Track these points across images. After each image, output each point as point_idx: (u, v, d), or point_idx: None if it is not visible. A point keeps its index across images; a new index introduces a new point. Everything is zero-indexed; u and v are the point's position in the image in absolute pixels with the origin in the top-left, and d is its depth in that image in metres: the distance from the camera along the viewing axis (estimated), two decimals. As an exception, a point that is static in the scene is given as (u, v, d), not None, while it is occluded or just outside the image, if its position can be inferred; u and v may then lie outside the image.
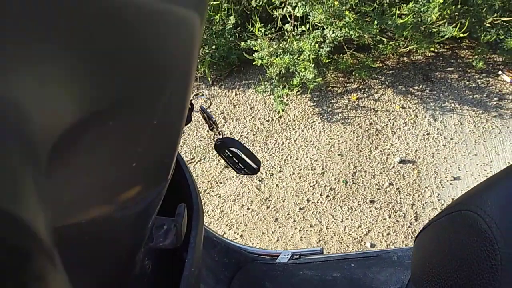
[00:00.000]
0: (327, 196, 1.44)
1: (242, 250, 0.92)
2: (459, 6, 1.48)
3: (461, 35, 1.42)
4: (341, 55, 1.80)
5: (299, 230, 1.35)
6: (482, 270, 0.38)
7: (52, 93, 0.14)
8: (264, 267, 0.91)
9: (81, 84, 0.16)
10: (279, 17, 1.71)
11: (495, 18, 1.47)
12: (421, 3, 1.47)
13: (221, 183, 1.53)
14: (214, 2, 1.86)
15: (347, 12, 1.48)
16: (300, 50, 1.59)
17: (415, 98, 1.69)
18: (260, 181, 1.52)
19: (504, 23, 1.48)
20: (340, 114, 1.68)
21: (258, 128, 1.69)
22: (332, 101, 1.73)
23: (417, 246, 0.52)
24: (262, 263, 0.91)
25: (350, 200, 1.41)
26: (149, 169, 0.26)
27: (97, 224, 0.27)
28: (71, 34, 0.14)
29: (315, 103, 1.73)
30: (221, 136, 0.56)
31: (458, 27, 1.47)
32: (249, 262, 0.91)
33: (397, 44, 1.67)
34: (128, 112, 0.19)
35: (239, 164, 0.57)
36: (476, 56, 1.66)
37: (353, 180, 1.46)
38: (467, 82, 1.70)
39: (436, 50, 1.82)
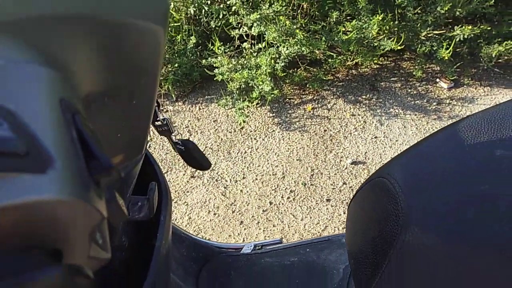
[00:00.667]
0: (288, 197, 1.55)
1: (208, 244, 1.01)
2: (396, 22, 1.66)
3: (399, 47, 1.60)
4: (296, 69, 1.95)
5: (263, 230, 1.45)
6: (390, 221, 0.50)
7: (78, 69, 0.24)
8: (229, 259, 1.00)
9: (88, 75, 0.26)
10: (237, 37, 1.84)
11: (428, 32, 1.66)
12: (363, 20, 1.65)
13: (188, 192, 1.61)
14: (176, 24, 1.97)
15: (297, 31, 1.63)
16: (258, 65, 1.72)
17: (363, 106, 1.85)
18: (225, 187, 1.61)
19: (437, 36, 1.68)
20: (297, 123, 1.81)
21: (221, 139, 1.79)
22: (290, 112, 1.86)
23: (348, 215, 0.64)
24: (228, 255, 1.00)
25: (309, 200, 1.53)
26: (129, 140, 0.35)
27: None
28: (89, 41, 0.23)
29: (274, 114, 1.86)
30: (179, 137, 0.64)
31: (396, 40, 1.65)
32: (215, 255, 0.99)
33: (344, 58, 1.84)
34: (116, 93, 0.28)
35: (190, 161, 0.64)
36: (416, 67, 1.85)
37: (311, 182, 1.58)
38: (409, 90, 1.89)
39: (380, 63, 2.01)
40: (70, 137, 0.16)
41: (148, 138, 0.44)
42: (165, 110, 1.95)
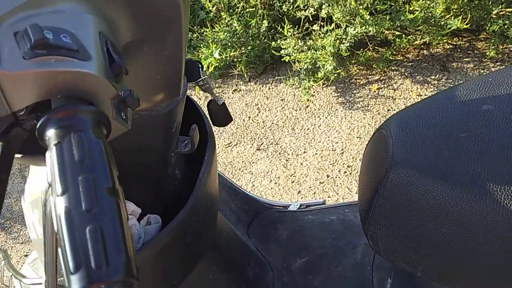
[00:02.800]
0: (345, 172, 1.63)
1: (259, 200, 1.16)
2: (465, 0, 1.63)
3: (465, 26, 1.57)
4: (364, 50, 1.99)
5: (318, 200, 1.55)
6: (381, 162, 0.59)
7: (119, 24, 0.38)
8: (277, 214, 1.13)
9: (126, 26, 0.40)
10: (306, 19, 1.94)
11: (500, 10, 1.59)
12: (430, -1, 1.64)
13: (253, 162, 1.78)
14: (251, 9, 2.12)
15: (362, 11, 1.68)
16: (323, 46, 1.80)
17: (432, 86, 1.83)
18: (286, 160, 1.74)
19: (510, 14, 1.60)
20: (361, 103, 1.86)
21: (287, 116, 1.92)
22: (354, 92, 1.92)
23: (362, 160, 0.73)
24: (276, 211, 1.14)
25: (365, 175, 1.59)
26: (167, 83, 0.50)
27: (146, 117, 0.52)
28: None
29: (338, 94, 1.93)
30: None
31: (466, 19, 1.61)
32: (265, 210, 1.14)
33: (413, 38, 1.84)
34: (150, 43, 0.43)
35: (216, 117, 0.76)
36: (491, 47, 1.78)
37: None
38: (482, 71, 1.82)
39: (454, 43, 1.96)
40: (102, 48, 0.30)
41: (187, 87, 0.59)
42: (238, 89, 2.13)
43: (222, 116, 0.75)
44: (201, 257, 0.82)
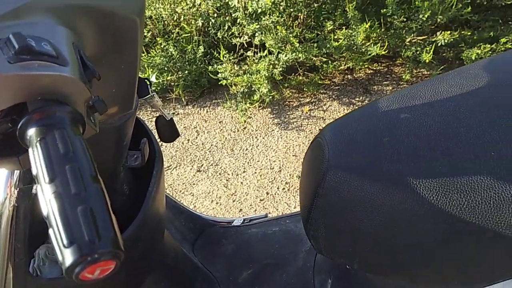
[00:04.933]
0: (283, 188, 1.71)
1: (204, 218, 1.18)
2: (383, 29, 1.82)
3: (383, 52, 1.76)
4: (295, 75, 2.13)
5: (259, 216, 1.61)
6: (318, 167, 0.66)
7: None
8: (221, 230, 1.16)
9: (91, 39, 0.43)
10: (240, 45, 2.04)
11: (413, 38, 1.81)
12: (352, 28, 1.81)
13: (194, 184, 1.79)
14: (186, 35, 2.18)
15: (292, 39, 1.81)
16: (258, 70, 1.90)
17: (356, 107, 2.00)
18: (227, 180, 1.78)
19: (420, 41, 1.83)
20: (295, 123, 1.98)
21: (226, 138, 1.97)
22: (288, 113, 2.03)
23: (302, 168, 0.79)
24: (220, 227, 1.17)
25: (302, 191, 1.68)
26: (121, 96, 0.53)
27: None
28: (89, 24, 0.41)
29: (274, 115, 2.03)
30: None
31: (384, 46, 1.81)
32: (210, 227, 1.16)
33: (338, 64, 2.01)
34: (109, 58, 0.46)
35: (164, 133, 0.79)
36: (406, 71, 2.00)
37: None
38: (399, 92, 2.03)
39: (374, 68, 2.16)
40: (76, 56, 0.33)
41: (138, 102, 0.62)
42: (176, 113, 2.15)
43: (169, 131, 0.78)
44: (150, 272, 0.82)
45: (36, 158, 0.29)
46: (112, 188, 0.71)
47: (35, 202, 0.49)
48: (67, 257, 0.27)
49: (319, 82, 2.04)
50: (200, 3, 2.08)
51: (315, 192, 0.65)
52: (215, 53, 2.09)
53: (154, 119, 0.78)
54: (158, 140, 0.80)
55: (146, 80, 0.68)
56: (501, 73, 0.66)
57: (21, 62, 0.29)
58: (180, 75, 2.12)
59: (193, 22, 2.13)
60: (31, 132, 0.30)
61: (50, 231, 0.28)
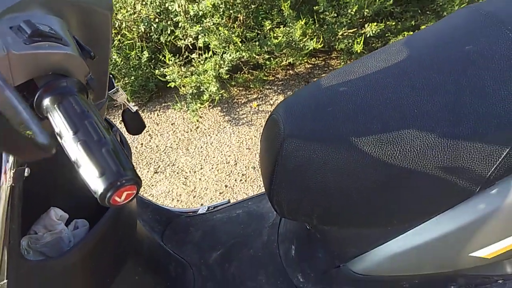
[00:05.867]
0: (241, 180, 1.79)
1: (169, 210, 1.23)
2: (317, 25, 1.97)
3: (319, 46, 1.90)
4: (241, 73, 2.22)
5: (220, 208, 1.68)
6: (275, 139, 0.75)
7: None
8: (188, 219, 1.22)
9: (75, 31, 0.49)
10: (185, 48, 2.10)
11: (344, 31, 1.98)
12: (289, 26, 1.95)
13: (152, 185, 1.83)
14: (129, 42, 2.20)
15: (235, 38, 1.91)
16: (205, 71, 1.98)
17: (301, 98, 2.14)
18: (185, 178, 1.84)
19: (351, 34, 2.00)
20: (245, 119, 2.07)
21: (179, 138, 2.02)
22: (238, 110, 2.12)
23: (260, 144, 0.88)
24: (186, 216, 1.23)
25: (258, 180, 1.78)
26: (97, 84, 0.59)
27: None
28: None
29: (224, 113, 2.11)
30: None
31: (318, 41, 1.96)
32: (176, 217, 1.22)
33: (280, 60, 2.13)
34: (90, 46, 0.53)
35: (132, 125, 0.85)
36: (342, 63, 2.17)
37: (258, 165, 1.84)
38: (337, 82, 2.20)
39: (313, 62, 2.32)
40: (73, 40, 0.40)
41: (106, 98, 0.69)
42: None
43: (136, 124, 0.84)
44: (126, 259, 0.87)
45: (57, 119, 0.36)
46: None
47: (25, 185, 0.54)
48: (100, 185, 0.33)
49: (264, 78, 2.15)
50: (140, 9, 2.11)
51: (275, 161, 0.74)
52: (160, 56, 2.13)
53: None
54: (125, 133, 0.85)
55: (111, 75, 0.73)
56: (416, 47, 0.79)
57: (34, 43, 0.36)
58: (127, 81, 2.14)
59: (134, 29, 2.16)
60: (47, 101, 0.37)
61: (81, 170, 0.34)
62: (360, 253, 0.80)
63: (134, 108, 0.81)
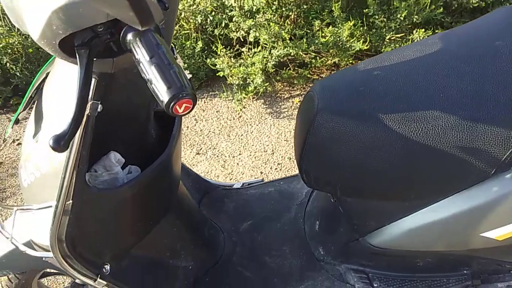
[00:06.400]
0: (276, 168, 1.88)
1: (208, 180, 1.34)
2: (365, 28, 2.03)
3: (365, 47, 1.96)
4: (286, 69, 2.31)
5: (254, 191, 1.77)
6: (309, 112, 0.83)
7: None
8: (224, 191, 1.33)
9: None
10: (237, 41, 2.22)
11: (391, 36, 2.02)
12: (338, 26, 2.02)
13: (194, 165, 1.95)
14: (185, 32, 2.36)
15: (284, 34, 2.00)
16: (252, 63, 2.08)
17: (342, 98, 2.19)
18: (224, 161, 1.95)
19: (399, 39, 2.03)
20: (286, 113, 2.16)
21: (222, 125, 2.14)
22: (280, 104, 2.21)
23: (296, 118, 0.96)
24: (222, 189, 1.33)
25: (293, 170, 1.86)
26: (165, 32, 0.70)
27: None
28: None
29: (267, 106, 2.21)
30: None
31: (366, 43, 2.01)
32: (214, 188, 1.33)
33: (326, 59, 2.20)
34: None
35: None
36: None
37: (294, 157, 1.92)
38: (380, 86, 2.23)
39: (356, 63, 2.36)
40: None
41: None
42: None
43: None
44: (168, 210, 0.99)
45: (138, 48, 0.46)
46: (146, 129, 0.87)
47: (97, 120, 0.65)
48: (166, 96, 0.44)
49: (308, 76, 2.23)
50: (199, 1, 2.26)
51: (307, 132, 0.82)
52: (213, 47, 2.27)
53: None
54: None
55: (172, 44, 0.85)
56: (450, 41, 0.85)
57: None
58: (180, 68, 2.29)
59: (191, 20, 2.31)
60: (131, 35, 0.47)
61: (153, 85, 0.45)
62: (378, 227, 0.86)
63: (189, 76, 0.92)
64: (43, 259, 0.97)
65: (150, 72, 0.45)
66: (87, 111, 0.60)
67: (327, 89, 0.84)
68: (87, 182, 0.77)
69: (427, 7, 1.94)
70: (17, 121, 0.82)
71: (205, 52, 2.35)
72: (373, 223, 0.87)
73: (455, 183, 0.75)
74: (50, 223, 0.73)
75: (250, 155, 1.96)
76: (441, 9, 1.92)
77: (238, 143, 2.04)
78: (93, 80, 0.59)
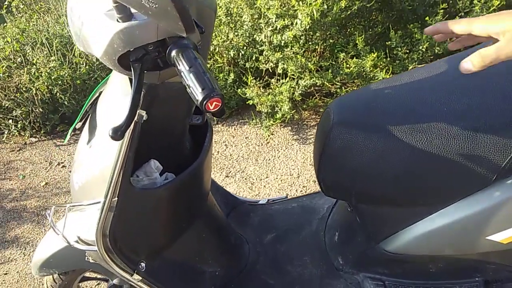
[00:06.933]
0: (301, 191, 1.95)
1: (236, 196, 1.44)
2: (388, 59, 2.13)
3: (388, 76, 2.04)
4: (312, 98, 2.43)
5: (280, 212, 1.84)
6: (325, 126, 0.92)
7: None
8: (250, 207, 1.41)
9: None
10: (266, 72, 2.37)
11: (414, 66, 2.10)
12: (362, 58, 2.13)
13: (223, 186, 2.05)
14: (218, 65, 2.53)
15: (310, 65, 2.13)
16: (280, 92, 2.21)
17: (367, 126, 2.27)
18: (252, 183, 2.04)
19: (421, 70, 2.11)
20: (312, 139, 2.25)
21: (251, 150, 2.25)
22: (306, 131, 2.31)
23: (316, 134, 1.05)
24: (249, 204, 1.42)
25: (317, 193, 1.92)
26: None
27: (182, 88, 0.83)
28: None
29: (293, 132, 2.31)
30: None
31: (389, 72, 2.10)
32: (240, 204, 1.42)
33: (350, 89, 2.30)
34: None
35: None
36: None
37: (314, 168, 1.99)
38: (405, 114, 2.30)
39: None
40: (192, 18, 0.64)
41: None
42: (207, 131, 2.46)
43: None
44: (198, 216, 1.09)
45: (180, 61, 0.58)
46: (181, 140, 0.99)
47: (143, 128, 0.78)
48: (201, 95, 0.55)
49: (334, 104, 2.33)
50: (232, 38, 2.44)
51: (324, 143, 0.92)
52: (244, 78, 2.42)
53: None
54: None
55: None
56: (456, 63, 0.93)
57: None
58: (213, 98, 2.45)
59: (225, 54, 2.49)
60: (174, 52, 0.60)
61: (190, 88, 0.56)
62: (392, 233, 0.92)
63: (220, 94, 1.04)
64: (85, 259, 1.09)
65: (189, 79, 0.57)
66: (135, 118, 0.72)
67: (342, 105, 0.93)
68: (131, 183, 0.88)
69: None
70: (74, 130, 0.96)
71: (236, 83, 2.51)
72: (387, 229, 0.93)
73: (460, 189, 0.81)
74: (97, 217, 0.84)
75: (277, 178, 2.05)
76: (462, 40, 1.99)
77: (265, 167, 2.13)
78: (142, 92, 0.72)
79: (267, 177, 2.07)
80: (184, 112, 0.92)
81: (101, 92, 0.95)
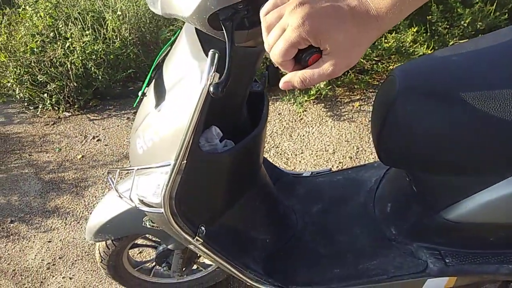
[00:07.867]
0: (337, 167, 1.95)
1: (280, 168, 1.45)
2: (428, 34, 2.08)
3: (428, 52, 2.00)
4: (347, 74, 2.40)
5: (317, 187, 1.85)
6: (390, 95, 0.92)
7: None
8: (294, 178, 1.42)
9: None
10: (299, 48, 2.34)
11: (455, 41, 2.05)
12: (401, 33, 2.08)
13: (258, 161, 2.07)
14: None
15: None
16: (315, 68, 2.19)
17: (403, 103, 2.24)
18: (287, 159, 2.05)
19: (462, 46, 2.06)
20: (346, 116, 2.24)
21: (284, 126, 2.25)
22: (340, 108, 2.30)
23: (374, 101, 1.04)
24: (293, 176, 1.43)
25: (354, 168, 1.92)
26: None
27: (251, 50, 0.83)
28: None
29: (327, 109, 2.30)
30: None
31: (429, 47, 2.06)
32: (285, 175, 1.43)
33: (387, 65, 2.27)
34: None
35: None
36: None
37: (356, 156, 1.98)
38: (442, 92, 2.26)
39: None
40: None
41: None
42: (239, 106, 2.46)
43: (274, 77, 1.07)
44: (253, 185, 1.10)
45: None
46: (240, 108, 1.00)
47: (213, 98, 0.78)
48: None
49: (369, 81, 2.30)
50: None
51: (387, 111, 0.91)
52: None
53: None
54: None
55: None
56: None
57: None
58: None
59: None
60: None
61: None
62: (454, 202, 0.92)
63: (276, 65, 1.04)
64: (142, 224, 1.12)
65: None
66: (209, 81, 0.72)
67: (407, 71, 0.92)
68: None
69: (491, 14, 1.97)
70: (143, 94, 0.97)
71: (268, 59, 2.49)
72: (449, 199, 0.93)
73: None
74: (166, 180, 0.86)
75: (312, 153, 2.05)
76: (506, 15, 1.93)
77: (300, 142, 2.13)
78: (216, 54, 0.72)
79: (302, 153, 2.07)
80: (248, 78, 0.92)
81: (164, 58, 0.95)
